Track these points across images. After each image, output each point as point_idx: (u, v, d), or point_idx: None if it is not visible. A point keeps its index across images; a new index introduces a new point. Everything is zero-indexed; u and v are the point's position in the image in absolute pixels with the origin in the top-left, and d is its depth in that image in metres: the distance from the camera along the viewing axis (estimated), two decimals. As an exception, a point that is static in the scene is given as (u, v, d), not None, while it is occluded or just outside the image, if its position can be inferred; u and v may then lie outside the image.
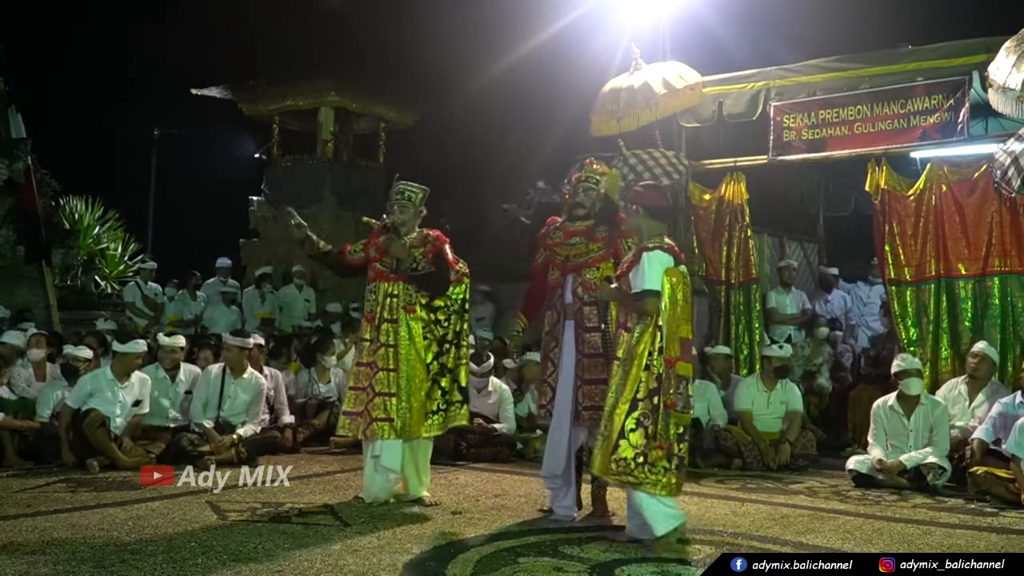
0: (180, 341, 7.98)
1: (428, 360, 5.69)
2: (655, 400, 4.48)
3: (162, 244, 20.15)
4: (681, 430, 4.55)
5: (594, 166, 5.58)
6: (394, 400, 5.57)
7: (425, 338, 5.68)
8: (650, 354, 4.53)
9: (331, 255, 6.01)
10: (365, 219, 6.13)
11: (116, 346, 7.30)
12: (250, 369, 7.75)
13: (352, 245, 6.01)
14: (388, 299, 5.67)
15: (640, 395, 4.50)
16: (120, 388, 7.10)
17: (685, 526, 4.63)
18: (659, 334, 4.53)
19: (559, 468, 5.29)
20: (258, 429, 7.60)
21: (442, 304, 5.75)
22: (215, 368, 7.75)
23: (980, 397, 6.84)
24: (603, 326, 5.27)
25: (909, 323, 7.62)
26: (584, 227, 5.40)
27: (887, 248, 7.69)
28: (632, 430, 4.48)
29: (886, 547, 4.65)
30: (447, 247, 5.77)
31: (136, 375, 7.24)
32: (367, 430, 5.62)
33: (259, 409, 7.69)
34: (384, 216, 5.92)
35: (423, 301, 5.70)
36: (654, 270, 4.60)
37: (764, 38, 13.19)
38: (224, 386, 7.56)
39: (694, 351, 7.90)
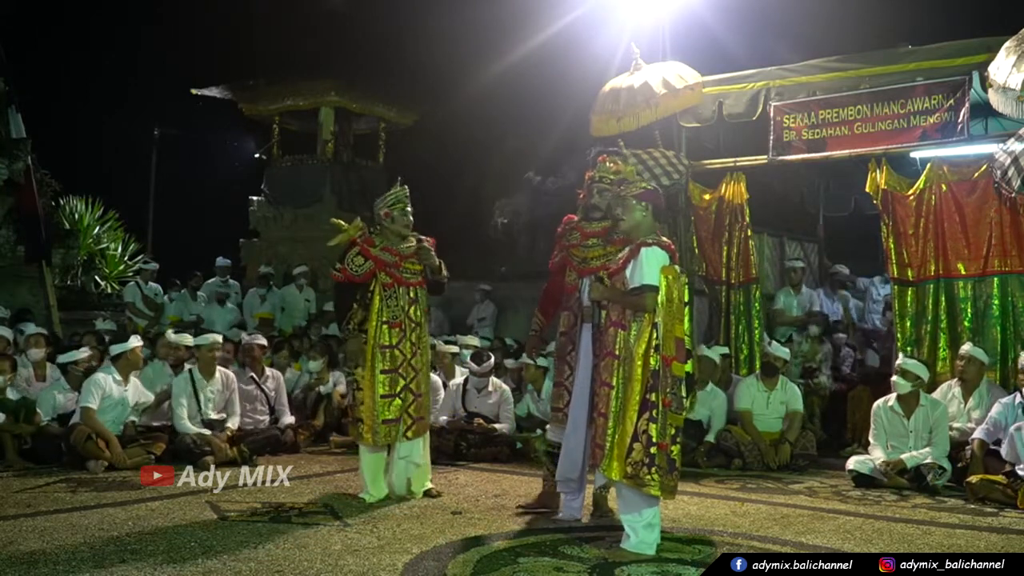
0: (187, 340, 7.98)
1: None
2: (652, 397, 4.47)
3: (162, 244, 20.15)
4: (673, 431, 4.51)
5: (607, 164, 5.41)
6: (423, 399, 5.90)
7: None
8: (647, 351, 4.51)
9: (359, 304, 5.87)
10: (334, 220, 6.10)
11: (115, 348, 7.23)
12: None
13: (347, 264, 5.80)
14: (412, 306, 5.82)
15: (650, 395, 4.48)
16: (125, 390, 7.12)
17: (658, 542, 4.56)
18: (655, 331, 4.50)
19: (575, 472, 5.21)
20: (238, 421, 7.53)
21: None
22: (182, 373, 7.61)
23: (973, 400, 6.83)
24: None
25: (908, 323, 7.61)
26: (601, 228, 5.31)
27: (891, 248, 7.69)
28: (644, 431, 4.47)
29: (886, 547, 4.66)
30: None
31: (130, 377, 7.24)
32: (410, 431, 5.79)
33: (234, 399, 7.57)
34: (359, 220, 5.98)
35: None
36: (653, 265, 4.55)
37: (764, 38, 13.22)
38: (196, 387, 7.41)
39: (704, 353, 8.02)
